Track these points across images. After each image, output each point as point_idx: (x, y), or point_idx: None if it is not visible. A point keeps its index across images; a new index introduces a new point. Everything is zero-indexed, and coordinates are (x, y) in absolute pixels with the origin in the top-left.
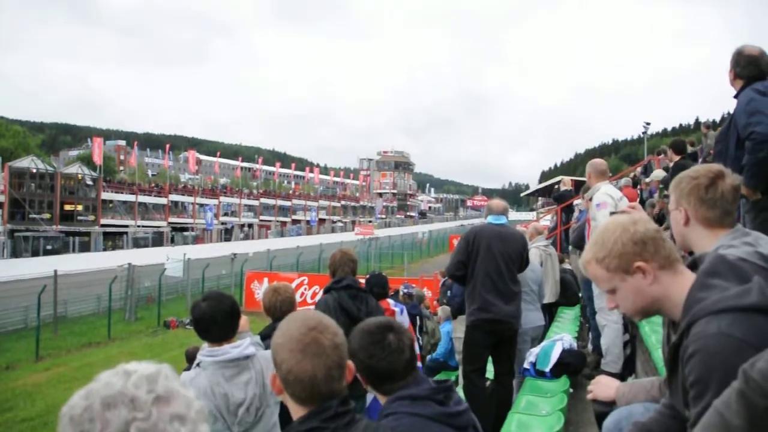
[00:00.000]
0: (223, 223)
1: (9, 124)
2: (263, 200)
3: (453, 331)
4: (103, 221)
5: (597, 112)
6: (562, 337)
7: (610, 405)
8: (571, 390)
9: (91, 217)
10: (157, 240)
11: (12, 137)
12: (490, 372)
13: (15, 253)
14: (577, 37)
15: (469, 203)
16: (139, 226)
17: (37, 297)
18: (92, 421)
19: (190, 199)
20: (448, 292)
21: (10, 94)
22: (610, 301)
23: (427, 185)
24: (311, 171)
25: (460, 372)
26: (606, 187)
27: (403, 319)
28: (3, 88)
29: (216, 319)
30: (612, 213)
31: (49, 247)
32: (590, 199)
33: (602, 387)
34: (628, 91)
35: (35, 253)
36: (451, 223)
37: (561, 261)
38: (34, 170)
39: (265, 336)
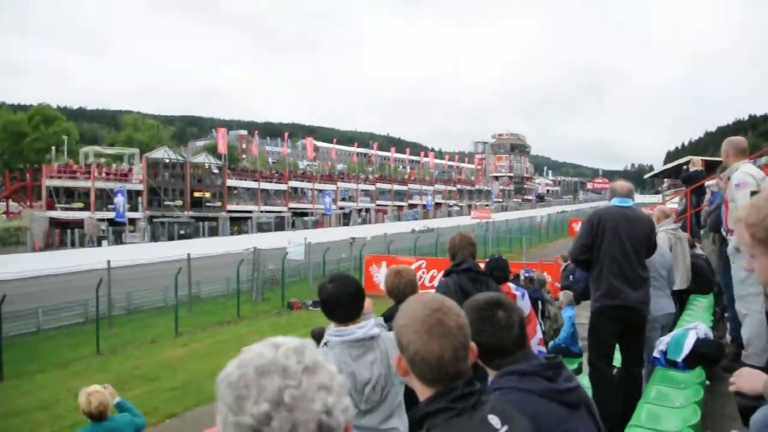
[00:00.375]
0: (341, 208)
1: (144, 118)
2: (379, 185)
3: (576, 316)
4: (228, 207)
5: (729, 86)
6: (696, 325)
7: (756, 399)
8: (707, 382)
9: (218, 204)
10: (279, 225)
11: (147, 131)
12: (617, 360)
13: (154, 237)
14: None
15: (589, 186)
16: (262, 212)
17: (174, 278)
18: (248, 387)
19: (309, 185)
20: (570, 276)
21: (146, 90)
22: (748, 263)
23: (545, 168)
24: (426, 155)
25: (584, 358)
26: (746, 166)
27: (525, 303)
28: (140, 85)
29: (342, 300)
30: (753, 193)
31: (182, 232)
32: (728, 179)
33: (747, 379)
34: (763, 61)
35: (171, 237)
36: (570, 207)
37: (692, 246)
38: (167, 160)
39: (388, 317)
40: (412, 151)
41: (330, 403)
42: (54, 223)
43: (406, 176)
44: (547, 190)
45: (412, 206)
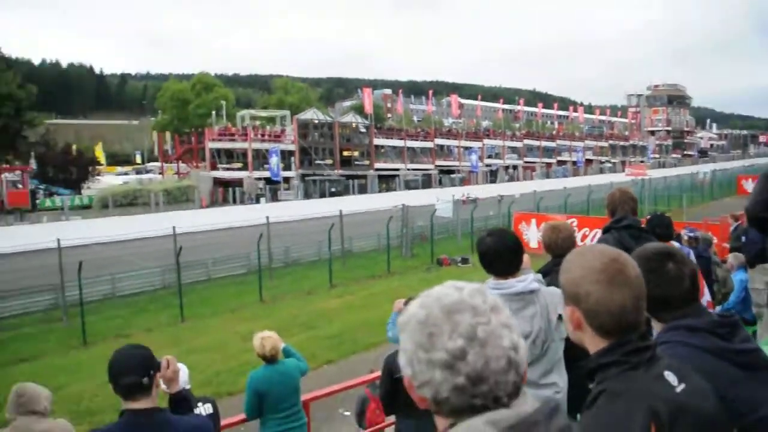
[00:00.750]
0: (487, 165)
1: (293, 81)
2: (526, 142)
3: (749, 281)
4: (376, 165)
5: None
6: None
7: None
8: None
9: (366, 162)
10: (426, 182)
11: (297, 93)
12: None
13: (307, 195)
14: None
15: (762, 139)
16: (408, 169)
17: (328, 233)
18: (438, 325)
19: (455, 143)
20: (742, 237)
21: (294, 54)
22: None
23: (708, 121)
24: (575, 110)
25: (758, 326)
26: None
27: None
28: (288, 50)
29: (501, 253)
30: None
31: (333, 190)
32: None
33: None
34: None
35: (322, 195)
36: (738, 162)
37: None
38: (316, 121)
39: (546, 273)
40: (560, 106)
41: (515, 341)
42: (217, 182)
43: (554, 132)
44: (711, 145)
45: (561, 163)
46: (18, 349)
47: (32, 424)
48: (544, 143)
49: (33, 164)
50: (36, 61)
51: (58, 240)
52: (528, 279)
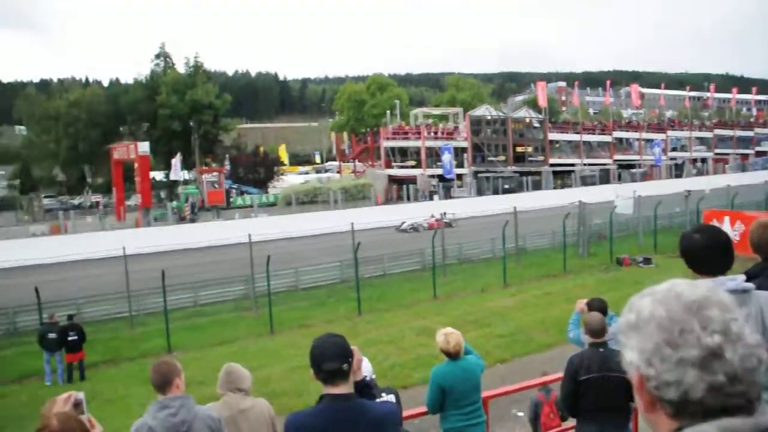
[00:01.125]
0: (672, 159)
1: (465, 78)
2: (717, 131)
3: None
4: (551, 161)
5: None
6: None
7: None
8: None
9: (540, 158)
10: (604, 178)
11: (468, 90)
12: None
13: (479, 192)
14: None
15: None
16: (585, 165)
17: (502, 231)
18: (687, 321)
19: (635, 135)
20: None
21: (465, 51)
22: None
23: None
24: None
25: None
26: None
27: None
28: (459, 47)
29: (713, 250)
30: None
31: (506, 186)
32: None
33: None
34: None
35: (495, 192)
36: None
37: None
38: (489, 117)
39: (754, 275)
40: (759, 90)
41: (759, 338)
42: (392, 179)
43: (751, 119)
44: None
45: (759, 154)
46: (215, 333)
47: (239, 401)
48: (738, 133)
49: (227, 166)
50: (230, 72)
51: (249, 235)
52: (740, 278)
